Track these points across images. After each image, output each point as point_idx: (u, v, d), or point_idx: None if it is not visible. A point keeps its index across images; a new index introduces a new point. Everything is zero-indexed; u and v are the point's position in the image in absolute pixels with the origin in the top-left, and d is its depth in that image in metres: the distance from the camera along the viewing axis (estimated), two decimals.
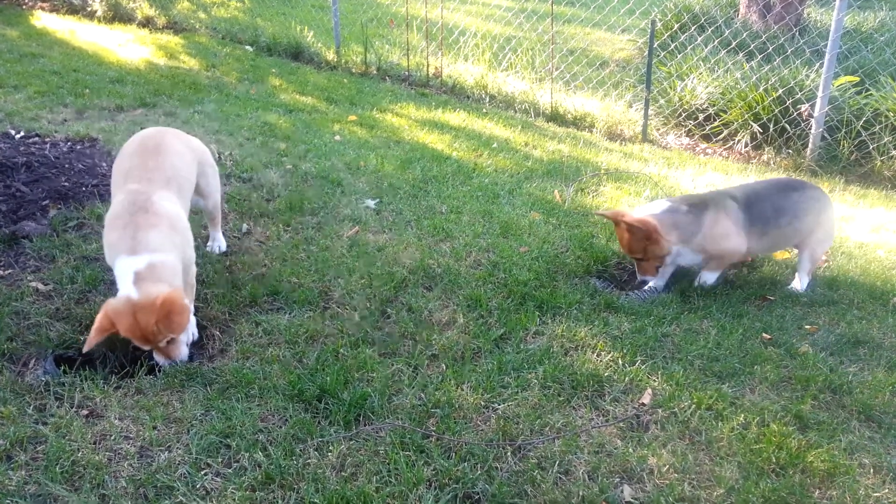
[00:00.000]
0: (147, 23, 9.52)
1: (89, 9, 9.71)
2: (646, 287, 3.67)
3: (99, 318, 2.55)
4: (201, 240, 3.71)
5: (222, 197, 3.81)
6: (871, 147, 5.79)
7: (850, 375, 2.95)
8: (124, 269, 2.65)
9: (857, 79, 6.27)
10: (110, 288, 3.19)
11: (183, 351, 2.77)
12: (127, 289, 2.61)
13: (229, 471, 2.27)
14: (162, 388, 2.62)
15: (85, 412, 2.49)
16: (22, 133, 4.96)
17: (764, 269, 3.94)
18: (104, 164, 4.56)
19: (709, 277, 3.67)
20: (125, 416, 2.48)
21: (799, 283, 3.73)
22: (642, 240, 3.45)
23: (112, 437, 2.37)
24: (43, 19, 9.27)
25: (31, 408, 2.48)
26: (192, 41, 8.84)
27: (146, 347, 2.67)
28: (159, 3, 9.93)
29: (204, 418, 2.49)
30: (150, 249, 2.69)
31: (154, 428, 2.42)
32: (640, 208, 3.61)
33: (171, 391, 2.61)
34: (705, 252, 3.57)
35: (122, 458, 2.30)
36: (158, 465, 2.27)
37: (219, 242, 3.69)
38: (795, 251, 3.81)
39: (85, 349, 2.58)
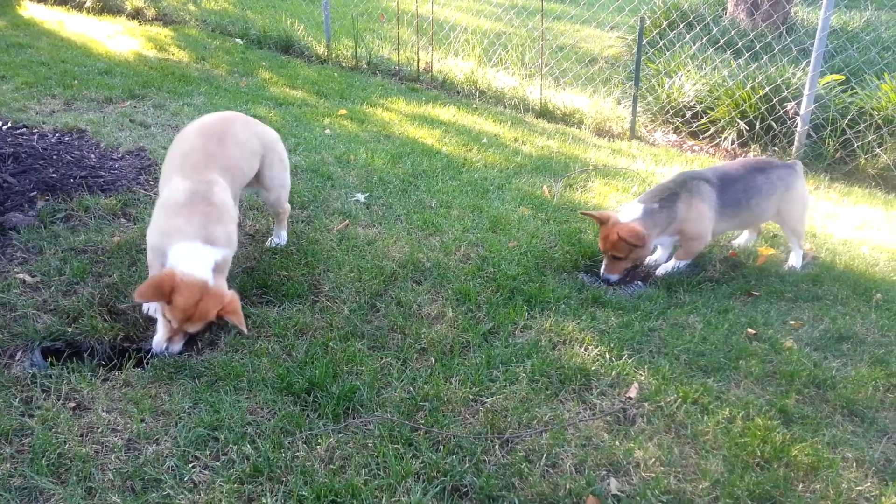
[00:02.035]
0: (136, 14, 9.43)
1: (78, 0, 9.61)
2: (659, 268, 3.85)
3: (164, 279, 2.64)
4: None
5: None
6: (855, 145, 5.85)
7: (833, 370, 2.99)
8: (201, 256, 2.77)
9: (843, 77, 6.33)
10: (98, 280, 3.18)
11: (181, 344, 2.82)
12: (203, 273, 2.73)
13: (217, 464, 2.27)
14: (150, 380, 2.62)
15: (72, 405, 2.48)
16: (9, 124, 4.92)
17: (749, 264, 3.98)
18: (92, 156, 4.52)
19: (680, 265, 3.81)
20: (113, 409, 2.47)
21: (795, 260, 3.95)
22: (630, 245, 3.55)
23: (99, 430, 2.37)
24: (31, 9, 9.17)
25: (18, 400, 2.46)
26: (182, 33, 8.78)
27: (175, 326, 2.72)
28: None
29: (192, 411, 2.49)
30: (223, 244, 2.87)
31: (142, 420, 2.42)
32: (621, 213, 3.68)
33: (160, 384, 2.61)
34: (683, 234, 3.72)
35: (109, 451, 2.29)
36: (146, 457, 2.27)
37: (280, 239, 3.71)
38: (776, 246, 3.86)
39: (136, 298, 2.64)
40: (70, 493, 2.11)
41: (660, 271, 3.84)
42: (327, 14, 8.44)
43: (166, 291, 2.65)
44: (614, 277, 3.68)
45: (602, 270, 3.70)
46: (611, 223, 3.62)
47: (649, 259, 3.92)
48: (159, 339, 2.76)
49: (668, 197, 3.66)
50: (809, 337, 3.25)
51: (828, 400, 2.82)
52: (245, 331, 2.81)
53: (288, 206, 3.69)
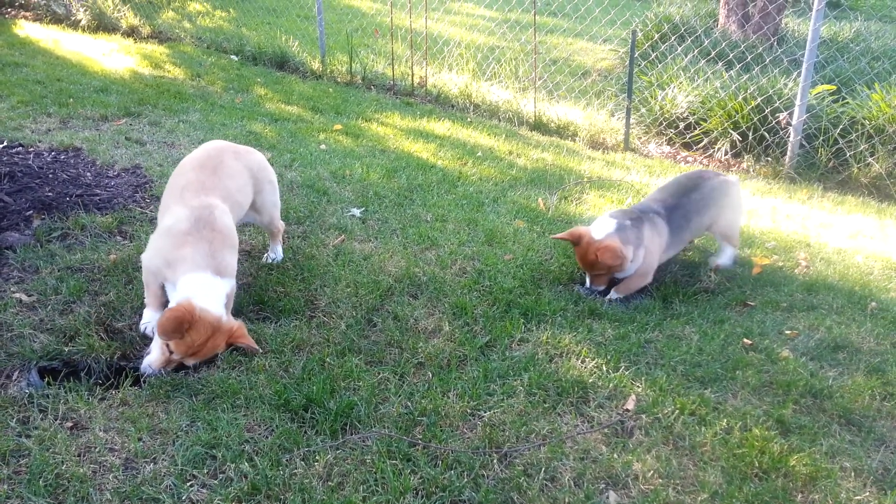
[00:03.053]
0: (132, 32, 9.48)
1: (73, 18, 9.66)
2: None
3: (185, 315, 2.65)
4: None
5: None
6: (848, 154, 5.90)
7: (830, 380, 3.00)
8: (214, 289, 2.80)
9: (834, 87, 6.39)
10: (94, 298, 3.18)
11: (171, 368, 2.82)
12: (218, 308, 2.77)
13: (215, 482, 2.27)
14: (147, 399, 2.61)
15: (69, 424, 2.47)
16: (5, 143, 4.93)
17: (744, 274, 4.00)
18: (88, 174, 4.53)
19: (615, 297, 3.68)
20: (110, 428, 2.46)
21: (725, 257, 4.03)
22: (608, 262, 3.50)
23: (97, 450, 2.36)
24: (26, 28, 9.21)
25: (15, 420, 2.46)
26: (177, 50, 8.82)
27: (175, 358, 2.73)
28: (144, 12, 9.91)
29: (189, 429, 2.48)
30: (230, 274, 2.92)
31: (139, 439, 2.41)
32: (594, 228, 3.61)
33: (157, 402, 2.60)
34: (639, 269, 3.64)
35: (106, 471, 2.28)
36: (144, 477, 2.26)
37: (276, 254, 3.72)
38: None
39: (160, 335, 2.65)
40: None
41: (610, 296, 3.71)
42: (322, 30, 8.50)
43: (186, 328, 2.67)
44: (601, 288, 3.68)
45: (587, 283, 3.69)
46: (585, 242, 3.55)
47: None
48: (152, 362, 2.74)
49: (636, 218, 3.63)
50: (805, 346, 3.26)
51: (825, 409, 2.83)
52: (258, 350, 2.88)
53: (282, 224, 3.72)
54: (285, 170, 5.01)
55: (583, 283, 3.80)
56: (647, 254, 3.62)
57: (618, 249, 3.49)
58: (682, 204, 3.81)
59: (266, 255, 3.75)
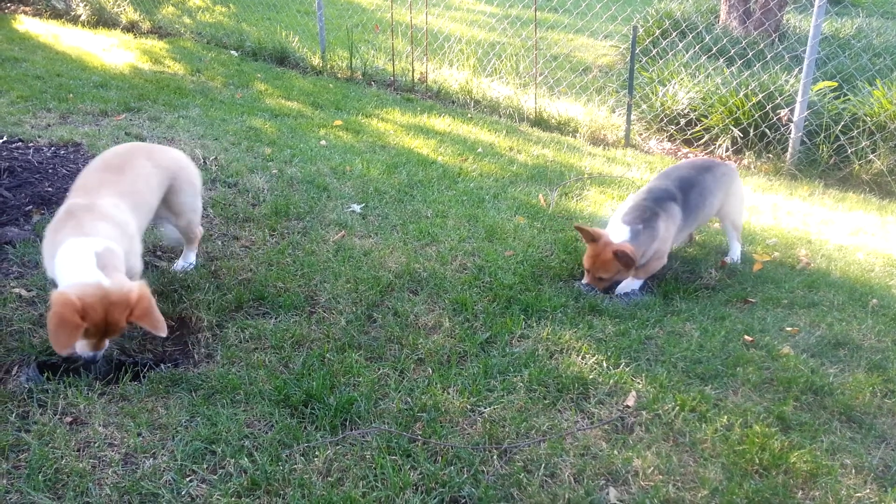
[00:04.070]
0: (131, 27, 9.47)
1: (73, 13, 9.64)
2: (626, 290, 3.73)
3: (62, 311, 2.35)
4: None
5: (204, 214, 3.63)
6: (849, 151, 5.88)
7: (831, 377, 2.99)
8: (79, 250, 2.49)
9: (835, 84, 6.37)
10: None
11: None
12: (89, 272, 2.45)
13: (215, 477, 2.26)
14: (147, 394, 2.61)
15: (68, 419, 2.46)
16: (4, 138, 4.92)
17: (744, 271, 3.99)
18: None
19: (636, 284, 3.74)
20: (109, 423, 2.46)
21: (735, 253, 4.12)
22: (620, 266, 3.54)
23: (96, 444, 2.35)
24: (26, 23, 9.19)
25: (14, 415, 2.45)
26: (177, 46, 8.80)
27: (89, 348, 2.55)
28: (144, 7, 9.88)
29: (189, 424, 2.48)
30: (105, 236, 2.58)
31: (139, 434, 2.41)
32: (610, 233, 3.63)
33: (156, 397, 2.60)
34: (656, 253, 3.69)
35: (106, 466, 2.28)
36: (143, 472, 2.26)
37: (188, 262, 3.47)
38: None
39: (61, 353, 2.39)
40: None
41: (619, 289, 3.72)
42: (322, 26, 8.48)
43: (76, 321, 2.35)
44: (595, 290, 3.67)
45: (584, 283, 3.69)
46: (602, 242, 3.56)
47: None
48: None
49: (651, 217, 3.64)
50: (806, 343, 3.26)
51: (825, 406, 2.82)
52: (161, 333, 2.54)
53: (200, 230, 3.47)
54: (285, 165, 5.00)
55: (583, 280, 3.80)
56: (661, 241, 3.66)
57: (636, 254, 3.52)
58: (698, 181, 3.86)
59: (176, 262, 3.49)
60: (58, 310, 2.33)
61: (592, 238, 3.60)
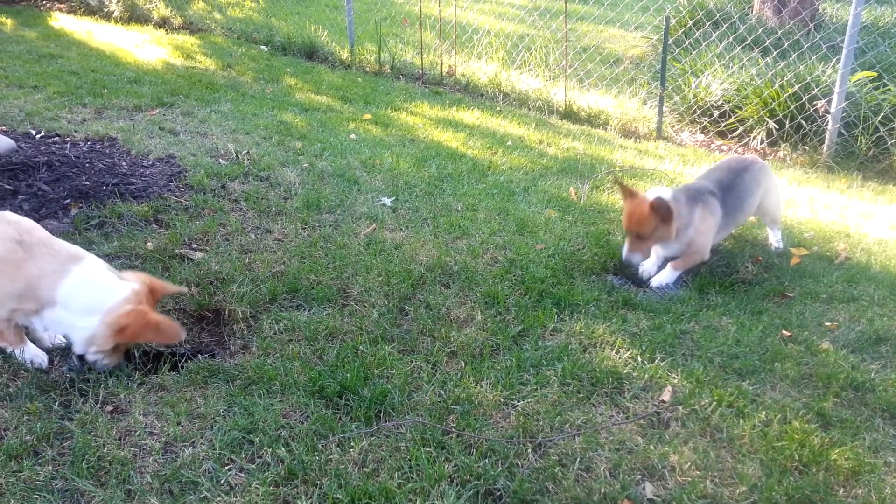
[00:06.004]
0: (163, 23, 9.59)
1: (106, 10, 9.80)
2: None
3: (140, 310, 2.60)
4: None
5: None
6: (889, 143, 5.74)
7: (872, 373, 2.93)
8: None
9: (875, 74, 6.21)
10: None
11: None
12: None
13: (253, 466, 2.29)
14: (185, 384, 2.65)
15: (109, 408, 2.51)
16: (42, 133, 5.02)
17: (782, 265, 3.92)
18: (123, 164, 4.60)
19: (671, 276, 3.68)
20: (149, 413, 2.50)
21: (776, 240, 4.16)
22: (658, 219, 3.48)
23: (137, 433, 2.40)
24: (60, 20, 9.36)
25: (57, 404, 2.51)
26: (208, 41, 8.89)
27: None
28: (175, 3, 10.00)
29: (227, 414, 2.51)
30: None
31: (178, 424, 2.45)
32: (649, 192, 3.61)
33: (194, 387, 2.64)
34: (690, 245, 3.66)
35: (146, 454, 2.32)
36: (183, 460, 2.29)
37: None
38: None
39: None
40: (110, 495, 2.14)
41: (654, 282, 3.67)
42: (350, 20, 8.50)
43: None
44: (637, 258, 3.61)
45: (624, 251, 3.61)
46: (640, 198, 3.52)
47: (642, 268, 3.76)
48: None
49: (691, 198, 3.64)
50: (846, 339, 3.19)
51: (867, 403, 2.76)
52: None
53: None
54: (316, 159, 5.03)
55: (616, 274, 3.76)
56: (698, 233, 3.63)
57: (671, 205, 3.47)
58: (736, 184, 3.84)
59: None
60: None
61: (631, 194, 3.57)
